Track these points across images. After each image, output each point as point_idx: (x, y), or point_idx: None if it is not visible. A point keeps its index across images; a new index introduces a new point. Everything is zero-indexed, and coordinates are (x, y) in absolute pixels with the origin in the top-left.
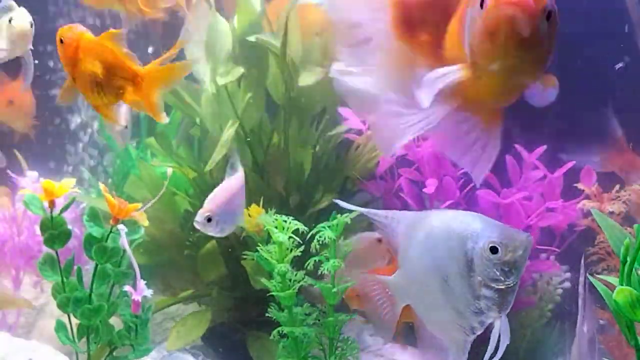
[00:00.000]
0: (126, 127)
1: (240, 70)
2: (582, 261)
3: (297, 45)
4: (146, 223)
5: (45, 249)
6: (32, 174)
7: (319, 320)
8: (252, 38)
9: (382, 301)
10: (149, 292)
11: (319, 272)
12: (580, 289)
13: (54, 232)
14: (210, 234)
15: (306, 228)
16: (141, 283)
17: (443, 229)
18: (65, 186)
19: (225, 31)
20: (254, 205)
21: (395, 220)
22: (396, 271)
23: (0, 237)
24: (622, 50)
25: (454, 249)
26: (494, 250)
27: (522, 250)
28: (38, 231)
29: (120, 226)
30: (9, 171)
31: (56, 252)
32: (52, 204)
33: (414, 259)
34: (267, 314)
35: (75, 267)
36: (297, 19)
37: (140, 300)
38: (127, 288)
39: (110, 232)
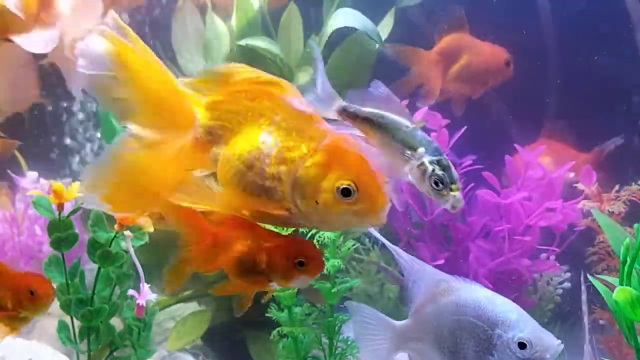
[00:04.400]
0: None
1: None
2: (583, 287)
3: (295, 46)
4: (151, 229)
5: (47, 249)
6: (31, 174)
7: (318, 320)
8: (243, 42)
9: (379, 339)
10: (153, 296)
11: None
12: (585, 320)
13: (61, 234)
14: None
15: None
16: (145, 287)
17: (473, 307)
18: (75, 189)
19: (222, 32)
20: None
21: (415, 274)
22: (406, 320)
23: (0, 237)
24: None
25: (479, 328)
26: (522, 346)
27: (550, 354)
28: (38, 231)
29: (127, 232)
30: (9, 171)
31: (62, 255)
32: (60, 206)
33: (430, 319)
34: (267, 314)
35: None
36: (298, 18)
37: (144, 304)
38: (131, 292)
39: (115, 237)
